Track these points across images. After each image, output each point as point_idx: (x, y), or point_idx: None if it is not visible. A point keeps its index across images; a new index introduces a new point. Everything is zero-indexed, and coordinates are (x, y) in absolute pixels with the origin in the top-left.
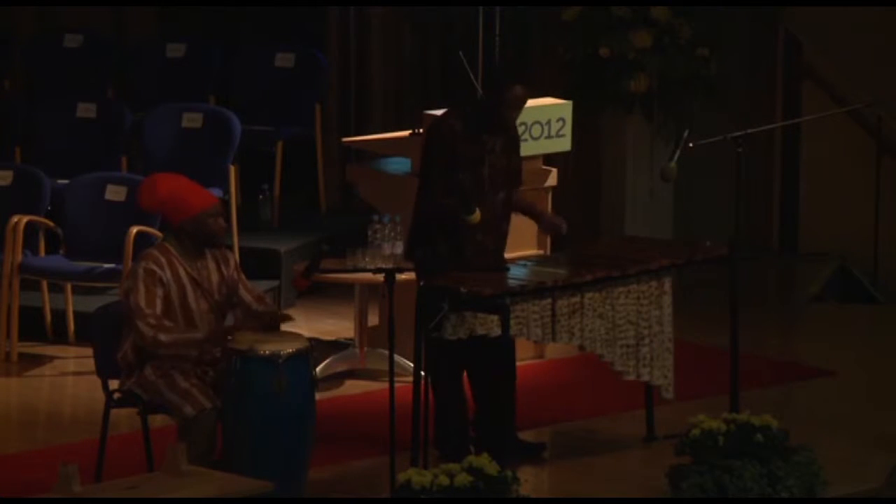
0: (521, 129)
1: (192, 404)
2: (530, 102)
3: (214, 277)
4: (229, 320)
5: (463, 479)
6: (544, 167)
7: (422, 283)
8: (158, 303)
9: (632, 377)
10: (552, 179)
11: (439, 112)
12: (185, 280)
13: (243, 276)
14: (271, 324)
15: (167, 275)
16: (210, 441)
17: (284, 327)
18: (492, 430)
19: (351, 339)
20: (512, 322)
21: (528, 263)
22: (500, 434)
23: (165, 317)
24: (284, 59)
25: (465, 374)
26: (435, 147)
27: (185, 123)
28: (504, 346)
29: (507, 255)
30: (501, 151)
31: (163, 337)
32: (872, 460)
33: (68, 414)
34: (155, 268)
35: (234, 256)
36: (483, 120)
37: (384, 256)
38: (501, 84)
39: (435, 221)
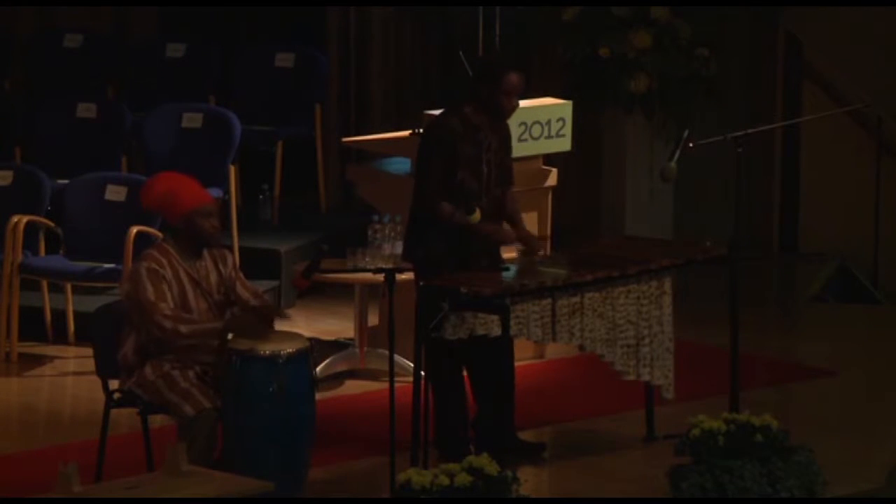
0: (521, 129)
1: (192, 404)
2: (530, 102)
3: (213, 277)
4: (228, 316)
5: (463, 479)
6: (544, 167)
7: (422, 283)
8: (169, 297)
9: (632, 377)
10: (552, 179)
11: (439, 112)
12: (185, 280)
13: (241, 275)
14: (266, 315)
15: (168, 274)
16: (210, 441)
17: (282, 325)
18: (492, 431)
19: (351, 339)
20: (512, 322)
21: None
22: (501, 434)
23: None
24: (284, 59)
25: (465, 373)
26: (434, 147)
27: (185, 123)
28: (504, 346)
29: (507, 255)
30: (497, 149)
31: (183, 328)
32: (872, 460)
33: (68, 414)
34: (157, 266)
35: (233, 256)
36: (482, 115)
37: (384, 256)
38: (497, 72)
39: (435, 222)
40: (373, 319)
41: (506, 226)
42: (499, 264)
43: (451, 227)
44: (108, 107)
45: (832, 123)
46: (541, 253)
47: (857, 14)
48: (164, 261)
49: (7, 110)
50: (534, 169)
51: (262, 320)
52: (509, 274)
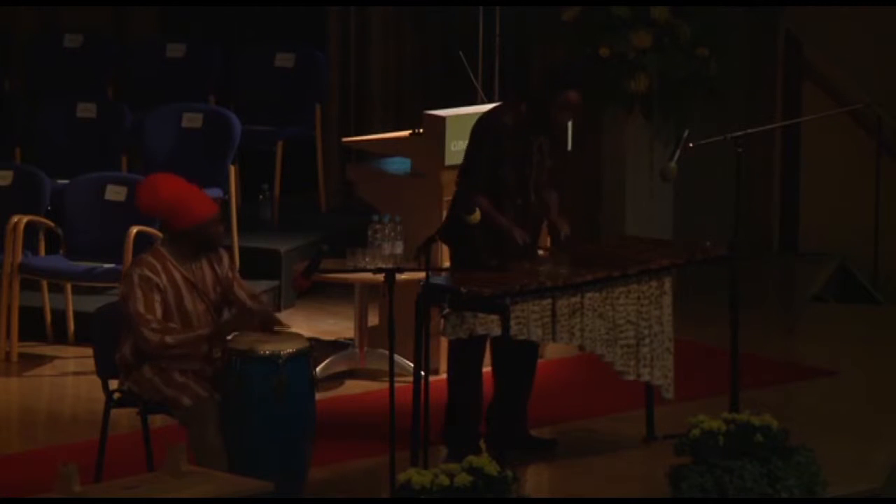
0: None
1: (188, 395)
2: None
3: (209, 277)
4: (225, 315)
5: (463, 479)
6: None
7: (422, 283)
8: (158, 308)
9: (632, 377)
10: None
11: (439, 112)
12: (181, 283)
13: (237, 275)
14: (267, 325)
15: (163, 280)
16: (217, 428)
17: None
18: (505, 426)
19: (351, 339)
20: (512, 322)
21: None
22: (513, 429)
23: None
24: (284, 59)
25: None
26: (483, 140)
27: (185, 123)
28: (531, 343)
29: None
30: (549, 151)
31: (169, 339)
32: (872, 460)
33: (68, 414)
34: (150, 274)
35: (227, 255)
36: (533, 117)
37: (384, 256)
38: (556, 85)
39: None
40: (373, 319)
41: (519, 232)
42: (533, 255)
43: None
44: (108, 107)
45: (832, 123)
46: (564, 233)
47: (857, 14)
48: (159, 266)
49: (7, 110)
50: None
51: (261, 327)
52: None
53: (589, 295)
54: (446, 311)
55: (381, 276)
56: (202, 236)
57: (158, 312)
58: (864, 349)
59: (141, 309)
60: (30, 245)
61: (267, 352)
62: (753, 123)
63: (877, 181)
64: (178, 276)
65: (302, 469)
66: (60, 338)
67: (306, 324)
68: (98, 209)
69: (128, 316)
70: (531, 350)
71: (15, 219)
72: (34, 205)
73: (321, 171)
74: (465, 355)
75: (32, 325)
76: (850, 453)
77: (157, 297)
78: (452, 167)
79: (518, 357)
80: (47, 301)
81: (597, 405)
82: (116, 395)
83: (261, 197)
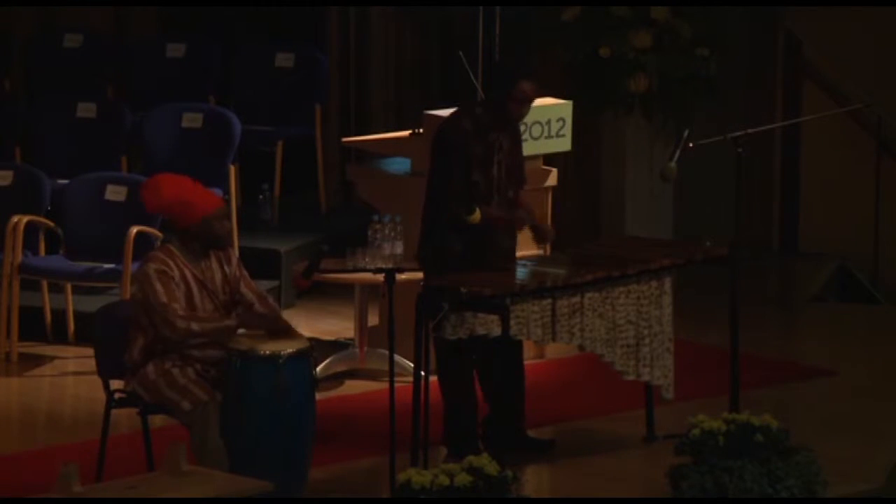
0: (521, 129)
1: (189, 399)
2: None
3: (218, 277)
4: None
5: (463, 479)
6: (544, 167)
7: (423, 283)
8: (180, 296)
9: (632, 377)
10: (552, 179)
11: (439, 112)
12: (191, 281)
13: (245, 273)
14: (274, 329)
15: (175, 276)
16: (219, 430)
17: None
18: (502, 428)
19: (351, 339)
20: (512, 322)
21: (528, 263)
22: (510, 432)
23: None
24: (284, 59)
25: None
26: (450, 149)
27: (185, 123)
28: (513, 344)
29: (523, 254)
30: (509, 150)
31: (195, 326)
32: (872, 460)
33: (68, 414)
34: (164, 268)
35: (236, 253)
36: (491, 116)
37: (384, 256)
38: (509, 79)
39: (450, 222)
40: (373, 319)
41: (520, 212)
42: (513, 264)
43: (468, 227)
44: (108, 107)
45: (832, 123)
46: (550, 235)
47: (857, 14)
48: (171, 262)
49: (7, 110)
50: (534, 169)
51: (268, 331)
52: (524, 271)
53: (589, 295)
54: (446, 311)
55: (381, 276)
56: (208, 232)
57: (182, 301)
58: (864, 349)
59: (164, 299)
60: (30, 245)
61: (267, 352)
62: (753, 123)
63: (877, 181)
64: (188, 273)
65: (302, 469)
66: (60, 338)
67: (306, 324)
68: (98, 209)
69: (150, 309)
70: (514, 351)
71: (15, 219)
72: (34, 205)
73: (321, 171)
74: (450, 365)
75: (32, 325)
76: (850, 453)
77: (175, 288)
78: None
79: (498, 362)
80: (47, 301)
81: (597, 405)
82: (118, 396)
83: (261, 197)
